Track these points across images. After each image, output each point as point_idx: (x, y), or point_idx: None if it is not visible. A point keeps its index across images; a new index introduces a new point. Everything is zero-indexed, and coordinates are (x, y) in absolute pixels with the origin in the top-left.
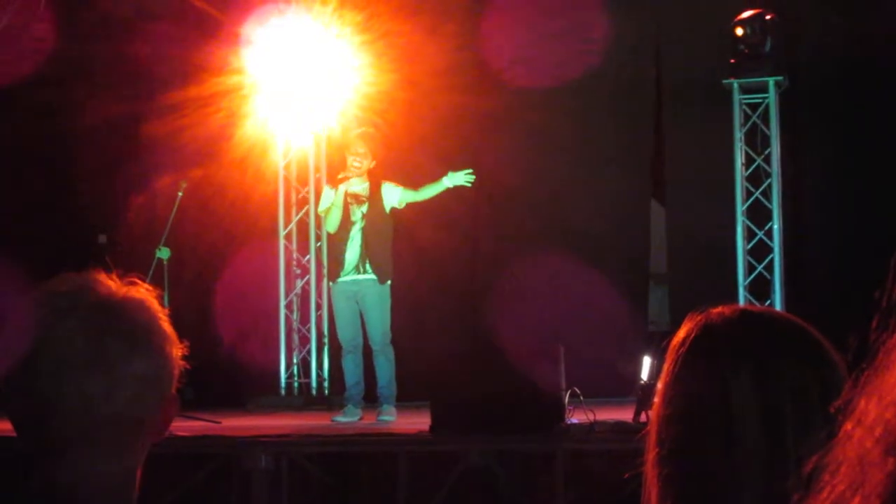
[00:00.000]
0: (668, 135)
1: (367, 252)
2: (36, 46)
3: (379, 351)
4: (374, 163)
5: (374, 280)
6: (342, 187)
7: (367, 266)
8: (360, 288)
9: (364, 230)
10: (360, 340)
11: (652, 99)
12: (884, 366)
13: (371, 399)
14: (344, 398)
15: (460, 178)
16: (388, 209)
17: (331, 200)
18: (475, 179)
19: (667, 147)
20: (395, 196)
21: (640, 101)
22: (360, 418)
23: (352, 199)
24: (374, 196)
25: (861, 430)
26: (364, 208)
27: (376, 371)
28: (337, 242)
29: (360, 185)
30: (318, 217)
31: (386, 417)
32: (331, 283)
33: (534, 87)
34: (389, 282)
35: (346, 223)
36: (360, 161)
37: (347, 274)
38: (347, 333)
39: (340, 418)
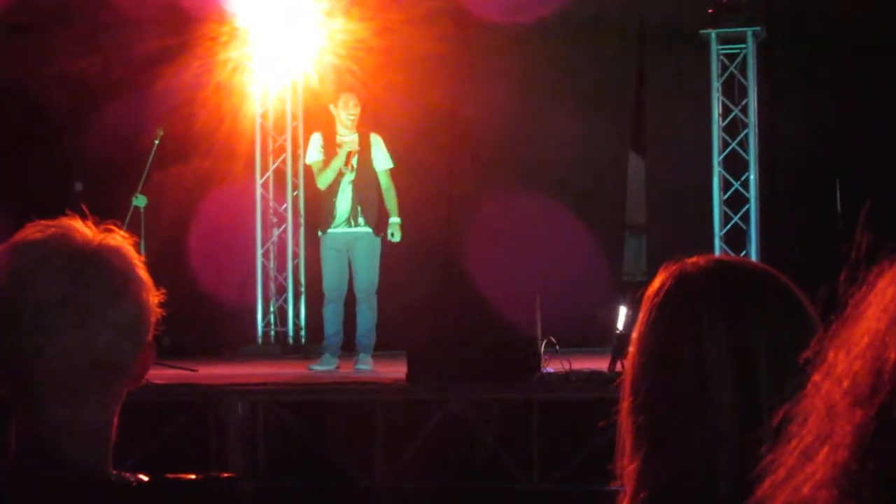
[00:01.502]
0: (647, 84)
1: (358, 204)
2: None
3: (363, 299)
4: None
5: (367, 232)
6: (317, 137)
7: (360, 219)
8: (353, 238)
9: (355, 182)
10: (344, 291)
11: (633, 49)
12: (852, 318)
13: (349, 348)
14: (322, 347)
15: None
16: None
17: (319, 152)
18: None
19: (646, 97)
20: (380, 163)
21: (621, 51)
22: (337, 367)
23: (341, 151)
24: (364, 147)
25: (829, 381)
26: (354, 160)
27: (358, 319)
28: (326, 193)
29: (349, 136)
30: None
31: (362, 366)
32: (320, 234)
33: (512, 34)
34: (382, 233)
35: (336, 175)
36: (355, 115)
37: (338, 226)
38: (332, 283)
39: (317, 367)
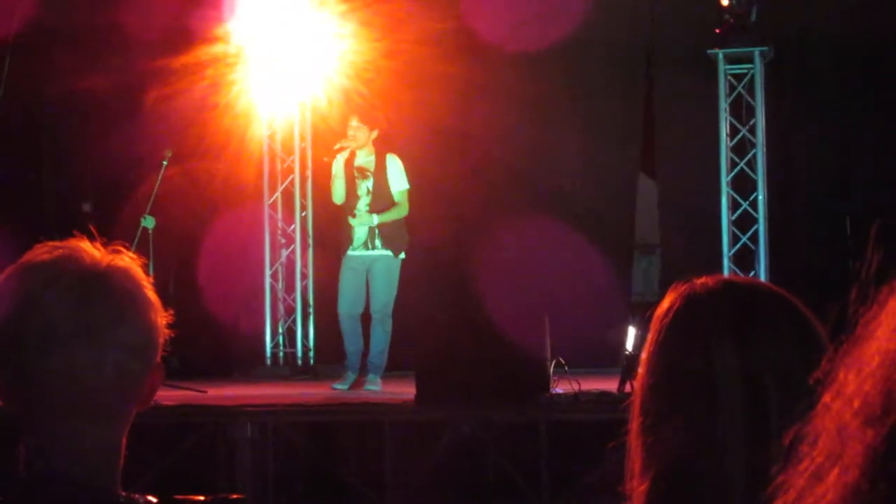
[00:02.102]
0: (656, 105)
1: (375, 227)
2: (20, 13)
3: (378, 320)
4: (376, 132)
5: (385, 255)
6: (340, 158)
7: (377, 241)
8: (371, 259)
9: (371, 206)
10: (359, 311)
11: (642, 69)
12: (863, 337)
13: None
14: (344, 366)
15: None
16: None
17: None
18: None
19: (655, 118)
20: (395, 184)
21: (629, 71)
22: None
23: (357, 174)
24: (380, 169)
25: (840, 401)
26: (369, 183)
27: (371, 339)
28: (344, 216)
29: (365, 158)
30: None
31: (371, 387)
32: (341, 256)
33: (521, 55)
34: (403, 255)
35: (352, 197)
36: (353, 132)
37: (356, 248)
38: (346, 301)
39: (340, 385)
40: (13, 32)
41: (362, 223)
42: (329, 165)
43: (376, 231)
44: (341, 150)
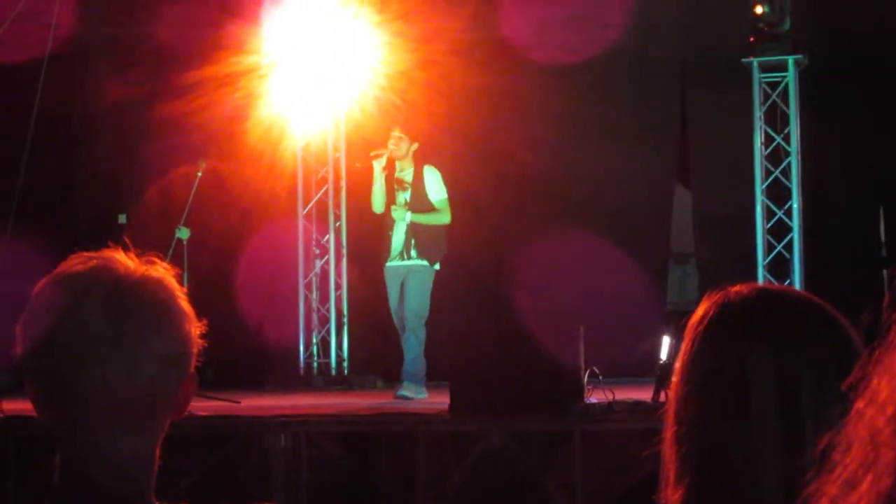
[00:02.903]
0: (690, 114)
1: (412, 237)
2: (55, 25)
3: (410, 328)
4: (416, 145)
5: (421, 264)
6: (378, 166)
7: (413, 252)
8: (406, 269)
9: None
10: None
11: (676, 78)
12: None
13: (395, 377)
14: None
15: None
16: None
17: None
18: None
19: (690, 127)
20: (434, 194)
21: (663, 80)
22: (425, 396)
23: (397, 185)
24: (418, 181)
25: (873, 408)
26: (407, 195)
27: (404, 348)
28: (383, 227)
29: (403, 170)
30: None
31: (403, 393)
32: (382, 267)
33: (555, 66)
34: (437, 265)
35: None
36: (395, 143)
37: (393, 259)
38: (395, 315)
39: (405, 393)
40: (48, 45)
41: (400, 218)
42: (361, 171)
43: (412, 241)
44: (377, 157)
